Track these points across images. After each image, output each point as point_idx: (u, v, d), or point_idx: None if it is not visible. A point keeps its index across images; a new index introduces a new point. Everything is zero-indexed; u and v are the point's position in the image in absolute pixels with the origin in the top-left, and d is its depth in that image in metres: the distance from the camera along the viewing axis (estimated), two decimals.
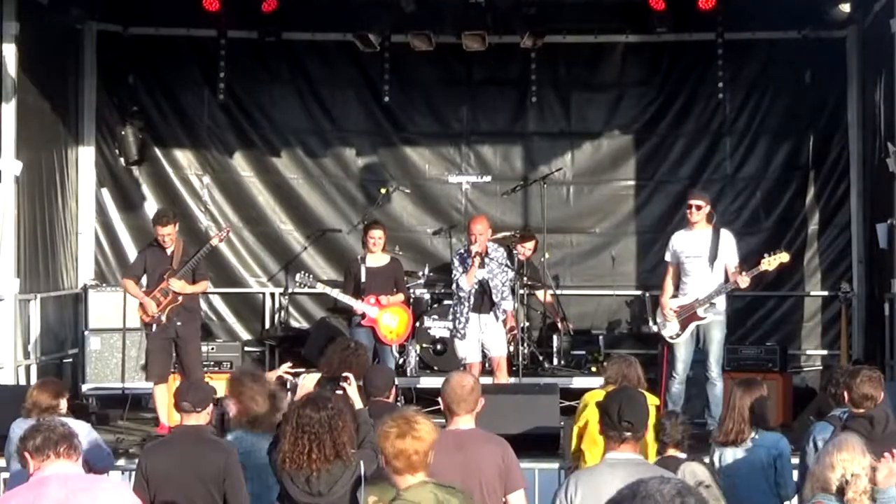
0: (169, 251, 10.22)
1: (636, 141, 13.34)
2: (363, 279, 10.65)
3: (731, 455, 6.67)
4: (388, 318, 10.74)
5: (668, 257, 10.23)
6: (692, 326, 9.90)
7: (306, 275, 10.97)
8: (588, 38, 13.17)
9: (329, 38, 13.18)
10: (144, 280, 10.49)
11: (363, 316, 10.61)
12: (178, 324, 10.13)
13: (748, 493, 6.65)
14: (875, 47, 11.66)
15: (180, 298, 10.11)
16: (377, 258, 10.83)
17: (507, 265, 10.61)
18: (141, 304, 10.22)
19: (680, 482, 2.80)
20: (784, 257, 9.83)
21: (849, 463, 4.79)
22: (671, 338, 9.96)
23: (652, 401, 7.29)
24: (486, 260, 10.40)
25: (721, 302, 9.96)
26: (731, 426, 6.74)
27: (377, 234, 10.82)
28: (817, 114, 12.95)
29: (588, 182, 13.42)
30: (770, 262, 9.78)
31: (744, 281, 9.71)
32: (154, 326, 10.18)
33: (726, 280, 9.84)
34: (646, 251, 13.09)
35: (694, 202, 10.02)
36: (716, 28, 12.64)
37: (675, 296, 10.05)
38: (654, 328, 10.44)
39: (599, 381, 11.15)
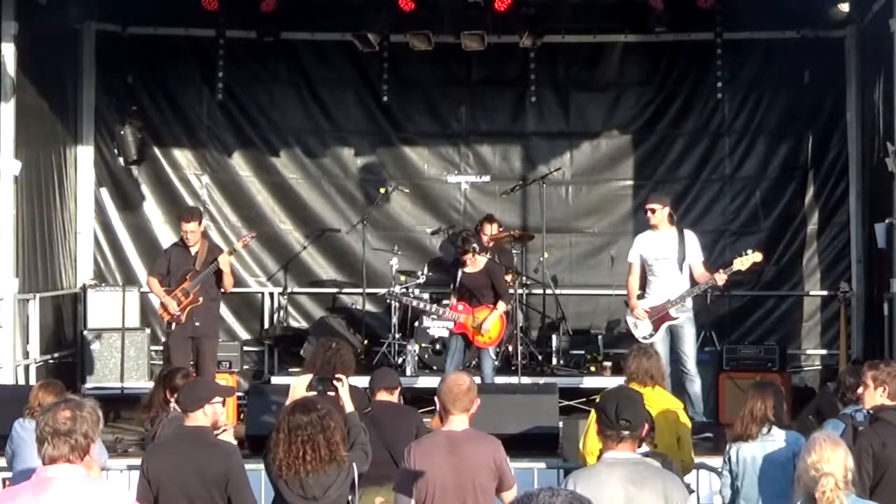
0: (193, 251, 10.25)
1: (635, 141, 13.34)
2: (458, 284, 10.60)
3: (748, 450, 6.77)
4: (478, 322, 10.46)
5: (631, 258, 10.22)
6: (665, 326, 9.92)
7: (399, 289, 10.49)
8: (587, 37, 13.17)
9: (328, 37, 13.18)
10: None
11: (454, 323, 10.52)
12: (197, 323, 10.18)
13: (767, 485, 6.75)
14: (874, 47, 11.65)
15: (201, 299, 10.16)
16: (477, 262, 10.63)
17: None
18: (162, 303, 10.27)
19: (570, 493, 2.81)
20: (757, 257, 9.87)
21: (819, 463, 4.80)
22: (644, 338, 9.83)
23: (675, 405, 7.30)
24: None
25: (690, 300, 10.00)
26: (740, 425, 6.84)
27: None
28: (816, 114, 12.95)
29: (587, 182, 13.42)
30: (743, 262, 9.83)
31: (721, 278, 9.78)
32: (174, 325, 10.26)
33: (692, 280, 9.92)
34: None
35: (648, 206, 10.16)
36: (714, 28, 12.67)
37: (640, 297, 10.06)
38: (627, 328, 10.41)
39: (599, 381, 11.29)
